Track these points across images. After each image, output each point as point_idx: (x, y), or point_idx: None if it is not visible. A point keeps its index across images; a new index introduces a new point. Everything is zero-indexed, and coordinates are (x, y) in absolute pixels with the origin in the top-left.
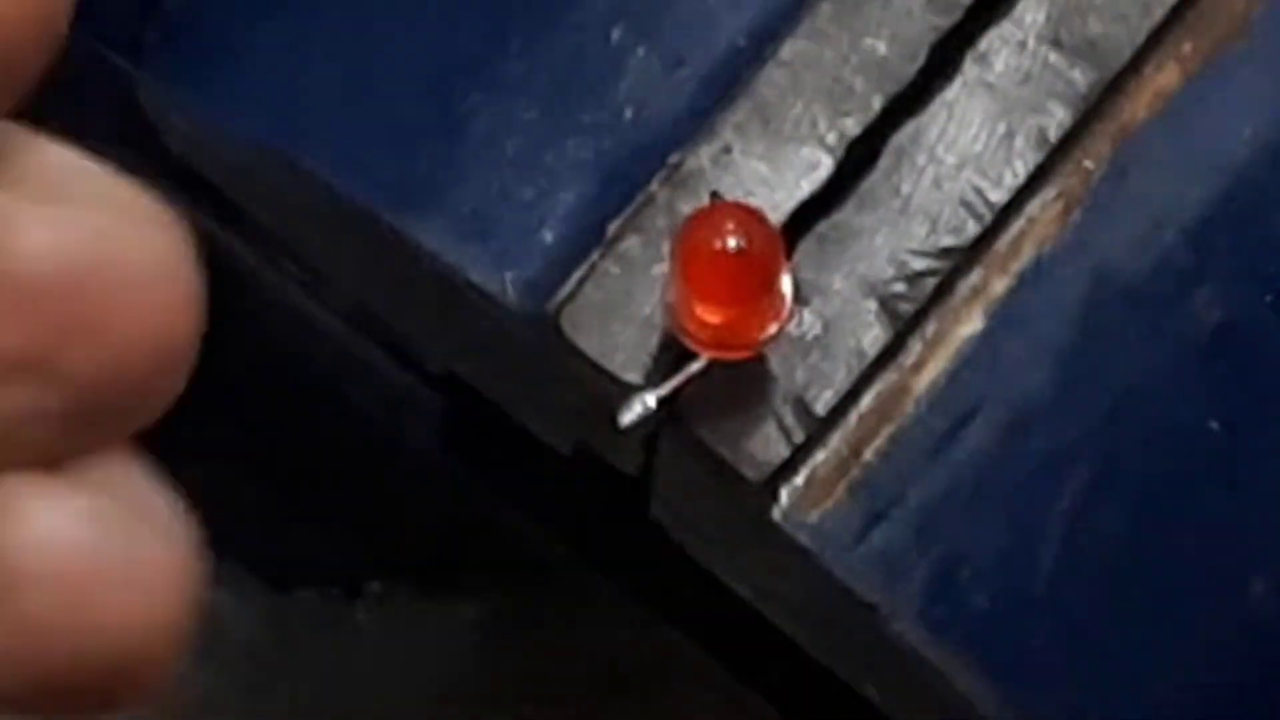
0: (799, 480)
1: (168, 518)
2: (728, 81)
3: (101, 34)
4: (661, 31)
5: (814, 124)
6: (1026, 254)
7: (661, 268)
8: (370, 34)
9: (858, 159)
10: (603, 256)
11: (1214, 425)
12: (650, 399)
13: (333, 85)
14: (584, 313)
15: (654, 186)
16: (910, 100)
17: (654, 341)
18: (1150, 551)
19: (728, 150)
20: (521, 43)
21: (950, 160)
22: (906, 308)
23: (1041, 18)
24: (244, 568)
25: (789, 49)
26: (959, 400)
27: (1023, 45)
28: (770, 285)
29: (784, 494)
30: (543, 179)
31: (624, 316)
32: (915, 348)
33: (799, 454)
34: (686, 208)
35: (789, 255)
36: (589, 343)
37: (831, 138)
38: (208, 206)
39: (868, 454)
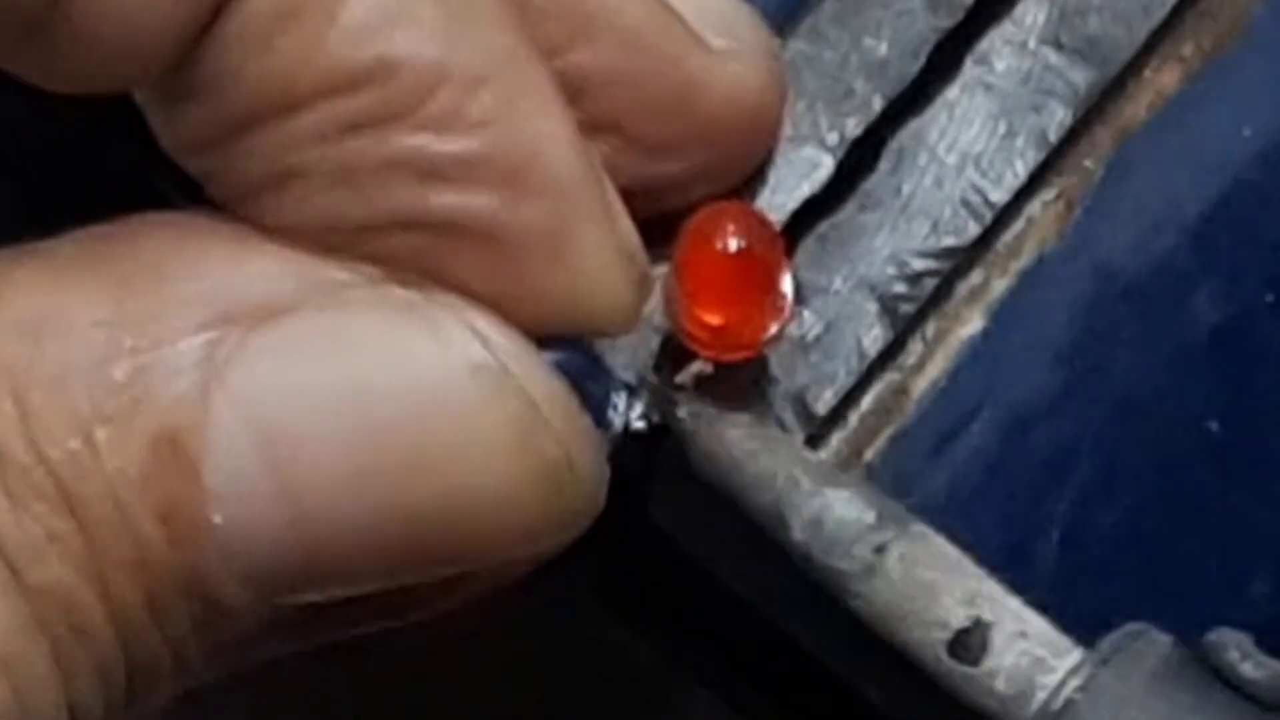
0: None
1: None
2: None
3: None
4: None
5: (814, 124)
6: (1026, 254)
7: (662, 268)
8: None
9: (858, 159)
10: None
11: (1214, 425)
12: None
13: None
14: None
15: None
16: (911, 100)
17: (654, 341)
18: (1150, 551)
19: None
20: None
21: (951, 160)
22: (907, 308)
23: (1042, 18)
24: None
25: (789, 49)
26: (959, 400)
27: (1023, 46)
28: (770, 285)
29: None
30: None
31: None
32: (915, 348)
33: None
34: None
35: (789, 255)
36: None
37: (832, 138)
38: None
39: (868, 454)
